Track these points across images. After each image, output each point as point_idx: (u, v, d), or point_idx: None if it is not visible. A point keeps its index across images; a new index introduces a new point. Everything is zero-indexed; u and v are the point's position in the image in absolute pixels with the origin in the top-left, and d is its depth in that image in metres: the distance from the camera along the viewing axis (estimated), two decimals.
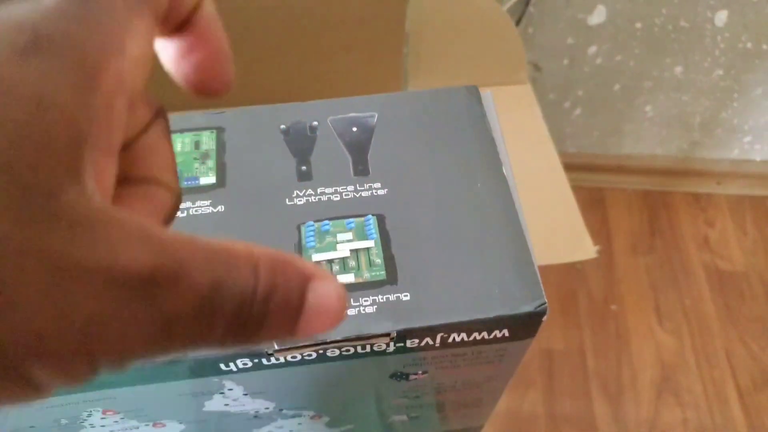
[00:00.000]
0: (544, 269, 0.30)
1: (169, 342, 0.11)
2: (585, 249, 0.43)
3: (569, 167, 1.26)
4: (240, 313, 0.12)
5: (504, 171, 0.27)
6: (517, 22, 0.87)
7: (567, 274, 1.09)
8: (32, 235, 0.09)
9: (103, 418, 0.26)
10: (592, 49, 0.92)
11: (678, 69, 0.95)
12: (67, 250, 0.10)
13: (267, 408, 0.28)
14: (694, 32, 0.89)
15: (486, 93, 0.30)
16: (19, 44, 0.10)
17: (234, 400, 0.27)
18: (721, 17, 0.87)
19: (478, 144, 0.28)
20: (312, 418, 0.30)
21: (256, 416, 0.29)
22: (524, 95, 0.50)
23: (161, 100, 0.15)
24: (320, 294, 0.12)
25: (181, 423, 0.29)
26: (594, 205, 1.18)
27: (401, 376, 0.27)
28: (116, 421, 0.27)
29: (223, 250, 0.12)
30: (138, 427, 0.28)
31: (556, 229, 0.45)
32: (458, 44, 0.46)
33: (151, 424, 0.28)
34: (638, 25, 0.88)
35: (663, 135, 1.08)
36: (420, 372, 0.27)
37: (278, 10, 0.41)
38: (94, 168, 0.11)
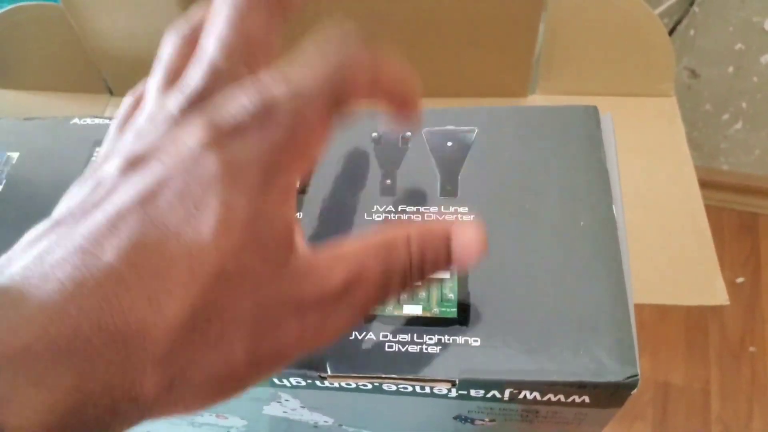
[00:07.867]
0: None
1: (358, 319, 0.17)
2: (715, 293, 0.37)
3: (720, 186, 1.13)
4: (405, 278, 0.17)
5: (614, 211, 0.23)
6: (678, 23, 0.78)
7: None
8: (284, 287, 0.15)
9: None
10: (765, 58, 0.81)
11: None
12: (296, 293, 0.15)
13: (326, 421, 0.27)
14: None
15: (606, 115, 0.26)
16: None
17: (292, 410, 0.26)
18: None
19: (588, 175, 0.24)
20: None
21: (315, 426, 0.28)
22: (667, 109, 0.44)
23: None
24: (461, 242, 0.17)
25: (243, 419, 0.29)
26: (744, 231, 1.05)
27: (466, 419, 0.24)
28: None
29: (385, 243, 0.17)
30: (203, 415, 0.29)
31: (683, 263, 0.40)
32: (597, 48, 0.42)
33: (214, 414, 0.28)
34: None
35: None
36: (487, 419, 0.24)
37: (406, 2, 0.40)
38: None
